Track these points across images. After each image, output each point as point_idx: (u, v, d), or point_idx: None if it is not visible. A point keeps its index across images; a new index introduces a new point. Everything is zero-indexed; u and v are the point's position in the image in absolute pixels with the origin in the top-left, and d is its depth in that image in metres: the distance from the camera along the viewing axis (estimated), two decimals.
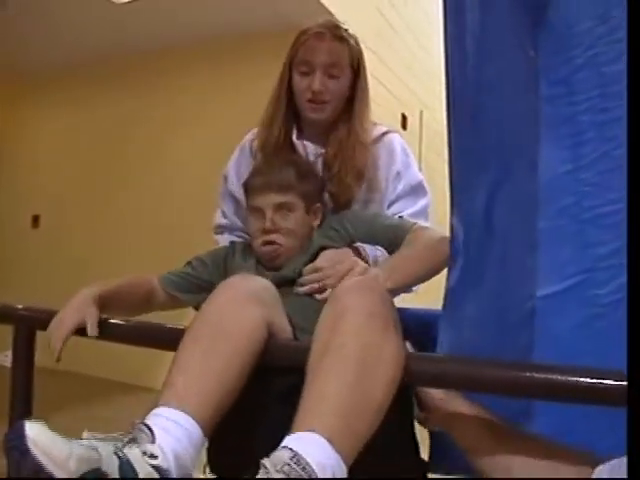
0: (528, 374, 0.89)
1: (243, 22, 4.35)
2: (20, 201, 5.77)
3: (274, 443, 0.83)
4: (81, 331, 1.22)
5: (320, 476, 0.77)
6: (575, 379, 0.85)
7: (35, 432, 0.74)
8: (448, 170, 1.04)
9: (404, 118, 5.11)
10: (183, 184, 4.64)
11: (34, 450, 0.73)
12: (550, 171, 0.97)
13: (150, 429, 0.86)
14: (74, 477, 0.74)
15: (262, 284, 1.16)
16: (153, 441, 0.84)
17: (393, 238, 1.38)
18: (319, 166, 1.55)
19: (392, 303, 1.03)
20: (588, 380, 0.84)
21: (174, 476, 0.83)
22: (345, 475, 0.82)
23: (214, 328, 1.02)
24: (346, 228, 1.42)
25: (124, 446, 0.82)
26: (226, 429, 1.00)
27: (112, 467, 0.78)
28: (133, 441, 0.84)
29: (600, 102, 0.96)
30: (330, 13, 4.21)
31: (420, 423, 1.10)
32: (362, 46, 1.58)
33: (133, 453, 0.81)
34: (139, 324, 1.34)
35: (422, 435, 1.17)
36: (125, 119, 5.15)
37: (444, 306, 1.06)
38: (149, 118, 5.00)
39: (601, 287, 0.95)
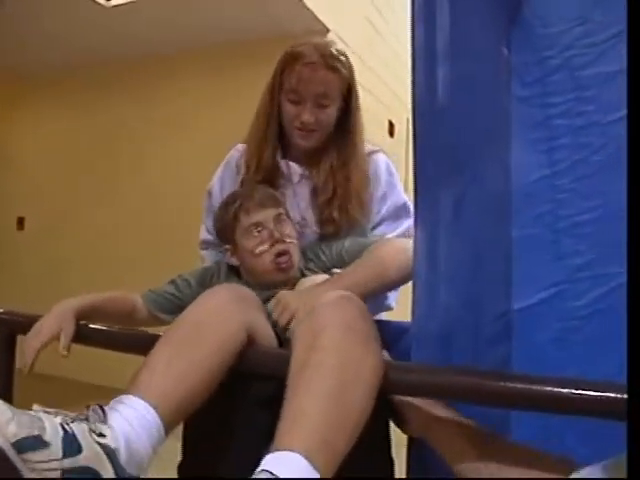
0: (509, 384, 0.85)
1: (238, 28, 4.34)
2: (5, 203, 5.73)
3: (251, 449, 0.84)
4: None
5: None
6: (552, 389, 0.82)
7: None
8: (413, 175, 0.99)
9: (391, 125, 5.09)
10: (176, 189, 4.60)
11: None
12: (524, 176, 0.92)
13: (103, 410, 0.84)
14: (17, 438, 0.72)
15: (245, 292, 1.16)
16: (104, 421, 0.83)
17: (360, 255, 1.35)
18: (303, 188, 1.52)
19: (370, 316, 0.99)
20: (564, 390, 0.81)
21: (123, 458, 0.81)
22: None
23: (188, 332, 1.02)
24: (320, 257, 1.40)
25: (73, 421, 0.80)
26: (203, 433, 0.98)
27: (55, 439, 0.76)
28: (84, 419, 0.82)
29: (576, 106, 0.92)
30: (320, 21, 4.20)
31: (400, 428, 1.06)
32: (350, 53, 1.54)
33: (80, 428, 0.79)
34: (118, 330, 1.33)
35: (399, 441, 1.13)
36: (119, 123, 5.11)
37: (413, 318, 1.01)
38: (144, 122, 4.96)
39: (577, 299, 0.90)
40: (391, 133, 5.07)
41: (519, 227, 0.93)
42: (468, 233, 0.97)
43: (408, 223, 1.49)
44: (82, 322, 1.26)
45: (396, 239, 1.42)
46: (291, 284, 1.36)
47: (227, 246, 1.44)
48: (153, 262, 4.43)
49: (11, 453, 0.72)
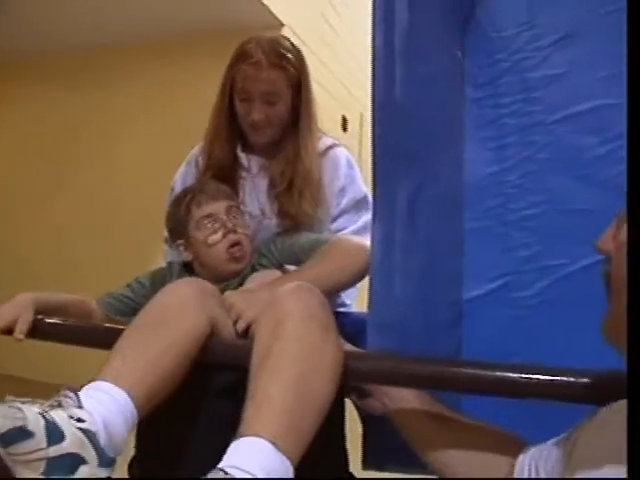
0: (462, 370, 0.89)
1: (193, 20, 4.32)
2: None
3: (211, 438, 0.86)
4: (10, 331, 1.19)
5: None
6: (501, 374, 0.86)
7: None
8: (371, 169, 1.03)
9: (344, 120, 5.13)
10: (132, 181, 4.54)
11: None
12: (476, 172, 0.97)
13: (76, 395, 0.83)
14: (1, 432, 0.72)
15: (206, 285, 1.16)
16: (80, 406, 0.82)
17: (313, 254, 1.37)
18: (261, 180, 1.54)
19: (328, 306, 1.02)
20: (511, 375, 0.85)
21: (103, 441, 0.81)
22: (292, 475, 0.81)
23: (157, 319, 1.03)
24: (272, 253, 1.42)
25: (49, 409, 0.79)
26: (159, 426, 0.98)
27: (38, 428, 0.75)
28: (58, 405, 0.81)
29: (523, 106, 0.97)
30: (274, 16, 4.22)
31: (360, 408, 1.09)
32: (303, 48, 1.56)
33: (59, 415, 0.79)
34: (76, 324, 1.30)
35: (355, 432, 1.17)
36: (74, 115, 5.01)
37: (369, 308, 1.05)
38: (99, 114, 4.88)
39: (525, 290, 0.96)
40: (344, 128, 5.11)
41: (470, 220, 0.98)
42: (422, 226, 1.01)
43: (368, 216, 1.51)
44: (39, 316, 1.24)
45: (352, 237, 1.44)
46: (242, 278, 1.38)
47: (180, 241, 1.45)
48: (111, 258, 4.39)
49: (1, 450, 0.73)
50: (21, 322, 1.17)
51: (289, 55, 1.43)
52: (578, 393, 0.80)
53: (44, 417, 0.77)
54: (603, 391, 0.75)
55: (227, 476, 0.73)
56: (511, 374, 0.82)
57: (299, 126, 1.46)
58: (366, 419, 1.10)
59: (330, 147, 1.52)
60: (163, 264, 1.59)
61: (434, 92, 1.03)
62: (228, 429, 0.84)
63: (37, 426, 0.75)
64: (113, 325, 1.23)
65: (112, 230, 4.61)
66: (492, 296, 0.97)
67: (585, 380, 0.78)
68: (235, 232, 1.34)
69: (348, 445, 1.25)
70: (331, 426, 1.06)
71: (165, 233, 1.62)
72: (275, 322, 0.94)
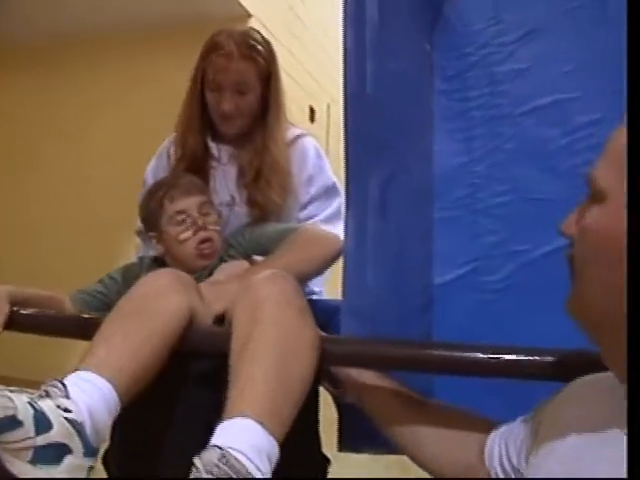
0: (436, 352, 0.93)
1: (159, 11, 4.29)
2: None
3: (191, 426, 0.88)
4: None
5: (255, 460, 0.78)
6: (473, 355, 0.89)
7: None
8: (344, 161, 1.06)
9: (312, 111, 5.15)
10: (102, 174, 4.49)
11: None
12: (445, 163, 1.01)
13: (63, 384, 0.85)
14: None
15: (184, 275, 1.18)
16: (67, 396, 0.84)
17: (281, 244, 1.40)
18: (231, 168, 1.56)
19: (303, 292, 1.06)
20: (481, 355, 0.89)
21: (88, 431, 0.83)
22: (277, 454, 0.84)
23: (138, 308, 1.04)
24: (240, 244, 1.44)
25: (37, 399, 0.81)
26: (140, 413, 1.00)
27: (27, 417, 0.77)
28: (46, 395, 0.83)
29: (490, 99, 1.01)
30: (242, 6, 4.21)
31: (335, 396, 1.13)
32: (271, 38, 1.58)
33: (47, 405, 0.80)
34: (53, 315, 1.30)
35: (331, 417, 1.20)
36: (42, 106, 4.95)
37: (343, 295, 1.08)
38: (68, 104, 4.82)
39: (492, 274, 1.00)
40: (312, 118, 5.13)
41: (440, 209, 1.02)
42: (394, 215, 1.04)
43: (338, 202, 1.54)
44: (15, 308, 1.24)
45: (318, 226, 1.46)
46: (210, 270, 1.39)
47: (152, 234, 1.46)
48: (81, 252, 4.35)
49: None
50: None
51: (260, 47, 1.46)
52: (544, 371, 0.84)
53: (33, 406, 0.78)
54: (568, 369, 0.80)
55: (223, 452, 0.76)
56: (479, 354, 0.86)
57: (267, 117, 1.49)
58: (341, 402, 1.14)
59: (298, 137, 1.55)
60: (134, 259, 1.60)
61: (404, 85, 1.07)
62: (206, 416, 0.87)
63: (26, 415, 0.77)
64: (90, 315, 1.25)
65: (82, 223, 4.57)
66: (461, 281, 1.01)
67: (550, 359, 0.83)
68: (206, 229, 1.36)
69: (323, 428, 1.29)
70: (305, 410, 1.10)
71: (138, 225, 1.63)
72: (252, 308, 0.97)
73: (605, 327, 0.60)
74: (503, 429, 0.86)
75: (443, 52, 1.03)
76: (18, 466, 0.76)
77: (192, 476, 0.76)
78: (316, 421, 1.20)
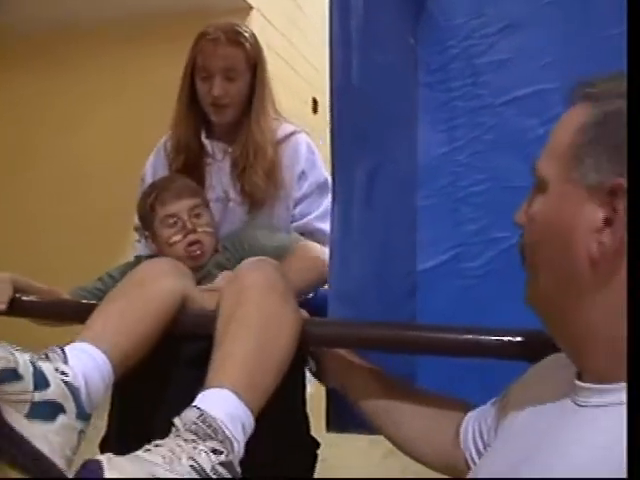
0: (411, 332, 0.98)
1: (158, 3, 4.33)
2: None
3: (183, 405, 0.87)
4: None
5: (229, 426, 0.84)
6: (454, 336, 0.94)
7: None
8: (330, 151, 1.09)
9: (315, 102, 5.18)
10: (97, 169, 4.54)
11: None
12: (428, 153, 1.04)
13: (63, 351, 0.91)
14: None
15: (181, 264, 1.25)
16: (65, 362, 0.90)
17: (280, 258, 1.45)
18: (225, 164, 1.59)
19: (286, 278, 1.11)
20: (463, 336, 0.93)
21: (82, 396, 0.89)
22: (253, 425, 0.89)
23: (136, 290, 1.10)
24: (237, 250, 1.48)
25: (37, 360, 0.87)
26: (135, 394, 1.04)
27: (27, 372, 0.83)
28: (46, 358, 0.89)
29: (472, 90, 1.04)
30: None
31: (318, 379, 1.17)
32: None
33: (46, 366, 0.86)
34: (53, 301, 1.35)
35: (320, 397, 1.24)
36: (39, 99, 4.99)
37: (329, 282, 1.12)
38: (64, 98, 4.86)
39: (472, 260, 1.03)
40: (315, 110, 5.16)
41: (423, 197, 1.05)
42: (379, 204, 1.08)
43: (330, 199, 1.58)
44: (17, 294, 1.29)
45: (313, 247, 1.47)
46: (204, 273, 1.44)
47: (146, 233, 1.51)
48: (80, 248, 4.40)
49: None
50: (2, 296, 1.22)
51: (246, 34, 1.51)
52: (514, 351, 0.88)
53: (33, 365, 0.84)
54: (537, 349, 0.83)
55: (202, 411, 0.83)
56: (453, 335, 0.90)
57: (252, 105, 1.52)
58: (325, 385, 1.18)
59: (291, 133, 1.59)
60: (132, 257, 1.64)
61: (389, 77, 1.10)
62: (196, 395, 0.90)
63: (26, 371, 0.83)
64: (89, 301, 1.30)
65: (80, 218, 4.61)
66: (444, 267, 1.04)
67: (520, 339, 0.87)
68: (195, 232, 1.41)
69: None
70: (291, 392, 1.14)
71: (136, 222, 1.68)
72: (238, 292, 1.03)
73: (554, 311, 0.64)
74: (477, 411, 0.90)
75: (427, 45, 1.06)
76: (15, 417, 0.81)
77: (172, 435, 0.82)
78: (303, 403, 1.24)
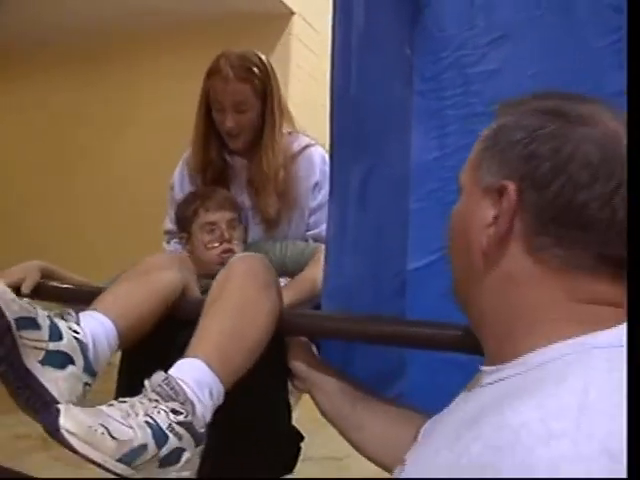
0: (384, 325, 1.05)
1: (201, 10, 4.45)
2: None
3: None
4: (16, 292, 1.35)
5: (195, 390, 0.94)
6: (416, 329, 1.02)
7: None
8: (329, 155, 1.16)
9: None
10: (138, 169, 4.71)
11: None
12: (420, 158, 1.10)
13: (76, 314, 1.04)
14: (18, 316, 0.92)
15: (184, 258, 1.41)
16: (78, 323, 1.02)
17: (301, 266, 1.57)
18: (244, 179, 1.71)
19: (272, 270, 1.22)
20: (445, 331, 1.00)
21: (90, 353, 1.01)
22: (222, 393, 0.99)
23: (142, 275, 1.24)
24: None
25: (54, 316, 1.00)
26: (138, 372, 1.15)
27: (44, 324, 0.95)
28: (61, 317, 1.01)
29: (463, 98, 1.09)
30: (284, 4, 4.32)
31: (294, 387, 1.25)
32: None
33: (61, 322, 0.99)
34: (75, 287, 1.46)
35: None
36: (80, 103, 5.19)
37: (324, 278, 1.18)
38: (104, 102, 5.05)
39: None
40: None
41: (415, 201, 1.10)
42: (373, 205, 1.13)
43: None
44: (41, 280, 1.41)
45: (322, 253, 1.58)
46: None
47: (183, 234, 1.63)
48: (117, 242, 4.56)
49: (13, 327, 0.91)
50: (28, 280, 1.36)
51: (255, 69, 1.62)
52: None
53: (50, 319, 0.97)
54: None
55: (167, 376, 0.93)
56: (422, 329, 0.96)
57: (264, 132, 1.64)
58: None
59: (306, 146, 1.71)
60: None
61: (386, 85, 1.16)
62: None
63: (44, 322, 0.96)
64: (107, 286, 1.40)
65: (117, 217, 4.79)
66: (433, 266, 1.09)
67: None
68: (230, 242, 1.55)
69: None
70: (274, 382, 1.22)
71: (167, 225, 1.79)
72: (224, 280, 1.14)
73: (463, 302, 0.71)
74: (435, 417, 0.93)
75: (421, 55, 1.11)
76: (30, 361, 0.93)
77: (142, 394, 0.92)
78: (285, 393, 1.31)
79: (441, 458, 0.55)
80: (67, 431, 0.80)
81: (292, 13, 4.45)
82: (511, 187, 0.62)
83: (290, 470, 1.36)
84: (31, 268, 1.40)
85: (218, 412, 1.01)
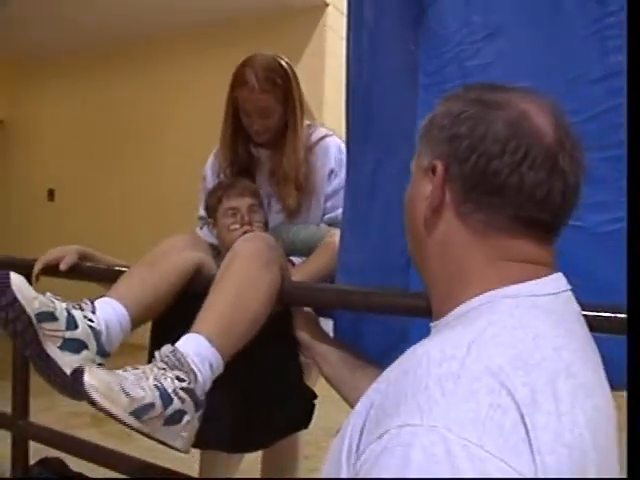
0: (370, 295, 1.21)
1: (236, 4, 4.57)
2: (38, 176, 6.11)
3: None
4: (53, 272, 1.51)
5: (198, 362, 1.08)
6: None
7: (15, 277, 1.12)
8: (346, 147, 1.27)
9: None
10: (182, 162, 4.88)
11: (14, 287, 1.09)
12: None
13: (92, 303, 1.21)
14: (38, 312, 1.09)
15: (199, 239, 1.66)
16: (93, 311, 1.19)
17: (309, 247, 1.73)
18: (267, 168, 1.90)
19: (278, 249, 1.37)
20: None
21: (104, 338, 1.18)
22: (221, 365, 1.13)
23: (155, 260, 1.39)
24: (279, 241, 1.71)
25: (72, 308, 1.17)
26: (162, 339, 1.31)
27: (62, 316, 1.14)
28: (79, 307, 1.19)
29: None
30: None
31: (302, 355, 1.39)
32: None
33: (77, 313, 1.17)
34: (107, 267, 1.62)
35: None
36: (126, 99, 5.40)
37: (339, 255, 1.30)
38: (149, 98, 5.25)
39: None
40: None
41: None
42: (382, 192, 1.25)
43: None
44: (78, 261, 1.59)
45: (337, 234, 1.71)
46: None
47: (210, 220, 1.82)
48: (155, 229, 4.75)
49: (34, 321, 1.09)
50: (67, 258, 1.54)
51: (278, 80, 1.78)
52: None
53: (68, 311, 1.15)
54: None
55: (174, 348, 1.09)
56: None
57: (287, 130, 1.77)
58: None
59: (323, 137, 1.85)
60: None
61: (395, 82, 1.26)
62: None
63: (61, 315, 1.13)
64: None
65: (157, 209, 4.97)
66: None
67: None
68: (250, 224, 1.72)
69: None
70: (288, 343, 1.35)
71: (198, 213, 1.97)
72: (230, 258, 1.28)
73: (418, 268, 0.84)
74: None
75: (425, 51, 1.21)
76: (50, 347, 1.11)
77: (152, 364, 1.08)
78: (296, 353, 1.44)
79: (374, 385, 0.66)
80: (91, 385, 0.96)
81: (326, 4, 4.54)
82: (439, 164, 0.75)
83: (305, 426, 1.51)
84: (69, 249, 1.58)
85: (237, 374, 1.18)
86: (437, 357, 0.58)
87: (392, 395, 0.59)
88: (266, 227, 1.79)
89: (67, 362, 1.13)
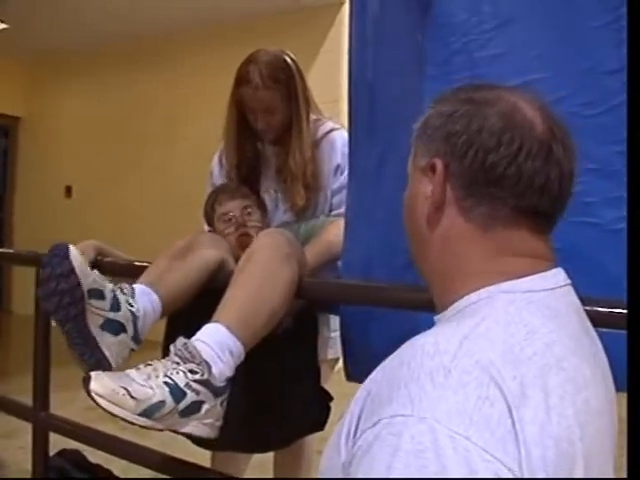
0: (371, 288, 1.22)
1: (252, 2, 4.56)
2: (55, 173, 6.16)
3: None
4: None
5: (217, 350, 1.10)
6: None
7: (74, 250, 1.16)
8: (348, 140, 1.23)
9: None
10: (198, 159, 4.86)
11: (72, 258, 1.13)
12: None
13: (133, 289, 1.25)
14: (90, 287, 1.14)
15: (219, 238, 1.59)
16: (133, 296, 1.23)
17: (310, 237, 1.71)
18: (274, 165, 1.87)
19: (296, 244, 1.38)
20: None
21: (140, 324, 1.22)
22: (242, 353, 1.15)
23: (182, 253, 1.42)
24: None
25: (117, 290, 1.21)
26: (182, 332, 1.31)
27: (108, 296, 1.17)
28: (121, 291, 1.22)
29: (471, 81, 1.13)
30: None
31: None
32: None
33: (122, 296, 1.20)
34: (124, 262, 1.65)
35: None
36: (143, 98, 5.41)
37: (343, 251, 1.26)
38: (166, 96, 5.25)
39: None
40: None
41: None
42: (386, 186, 1.20)
43: None
44: (99, 257, 1.61)
45: (340, 220, 1.68)
46: None
47: (210, 228, 1.81)
48: (170, 231, 4.75)
49: (86, 296, 1.13)
50: (85, 256, 1.52)
51: (282, 76, 1.75)
52: None
53: (113, 292, 1.18)
54: None
55: (186, 341, 1.09)
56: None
57: (293, 126, 1.75)
58: (345, 339, 1.33)
59: (329, 131, 1.82)
60: None
61: (400, 73, 1.23)
62: None
63: (109, 295, 1.17)
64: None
65: (172, 205, 4.97)
66: None
67: None
68: (245, 226, 1.69)
69: None
70: (305, 346, 1.32)
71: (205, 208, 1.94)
72: (250, 252, 1.29)
73: (420, 269, 0.83)
74: None
75: (432, 41, 1.17)
76: (93, 324, 1.15)
77: (165, 359, 1.09)
78: (314, 357, 1.44)
79: (372, 374, 0.68)
80: (96, 393, 1.00)
81: (342, 2, 4.51)
82: (438, 162, 0.75)
83: (321, 428, 1.48)
84: (87, 245, 1.58)
85: (253, 375, 1.20)
86: (431, 350, 0.61)
87: (387, 385, 0.62)
88: (266, 227, 1.75)
89: (105, 342, 1.16)
